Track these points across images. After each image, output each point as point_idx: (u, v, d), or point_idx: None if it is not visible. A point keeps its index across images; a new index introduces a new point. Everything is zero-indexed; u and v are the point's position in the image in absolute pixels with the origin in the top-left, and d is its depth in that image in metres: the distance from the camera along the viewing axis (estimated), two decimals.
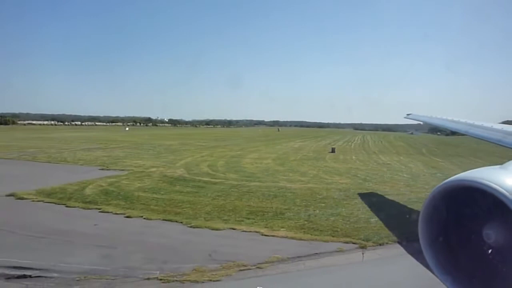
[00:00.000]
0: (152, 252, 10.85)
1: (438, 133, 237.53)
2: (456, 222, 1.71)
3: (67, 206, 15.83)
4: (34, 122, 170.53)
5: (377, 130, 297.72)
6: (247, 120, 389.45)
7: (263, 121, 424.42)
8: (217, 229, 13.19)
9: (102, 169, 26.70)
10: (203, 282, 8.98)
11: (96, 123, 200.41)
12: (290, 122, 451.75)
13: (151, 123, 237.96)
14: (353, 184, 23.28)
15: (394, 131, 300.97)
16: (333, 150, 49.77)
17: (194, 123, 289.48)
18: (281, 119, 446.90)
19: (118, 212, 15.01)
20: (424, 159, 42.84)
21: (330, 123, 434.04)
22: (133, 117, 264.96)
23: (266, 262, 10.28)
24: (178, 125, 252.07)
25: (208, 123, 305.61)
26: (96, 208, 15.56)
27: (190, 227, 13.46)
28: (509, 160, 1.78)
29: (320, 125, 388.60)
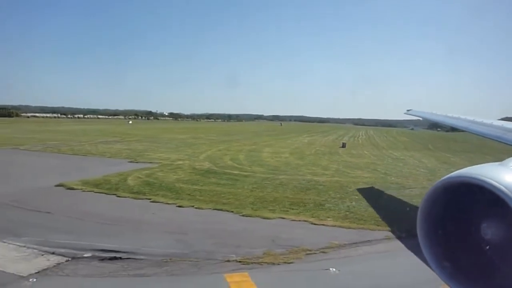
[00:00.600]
0: (220, 238, 11.72)
1: (438, 129, 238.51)
2: (454, 217, 1.73)
3: (118, 196, 16.65)
4: (37, 114, 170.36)
5: (376, 126, 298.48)
6: (246, 115, 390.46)
7: (262, 115, 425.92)
8: (268, 218, 14.07)
9: (131, 162, 27.48)
10: (279, 264, 9.86)
11: (98, 116, 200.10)
12: (290, 116, 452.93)
13: (152, 117, 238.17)
14: (376, 178, 24.22)
15: (393, 126, 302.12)
16: (343, 145, 50.67)
17: (194, 117, 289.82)
18: (281, 114, 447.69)
19: (169, 202, 15.85)
20: (435, 155, 43.87)
21: (330, 118, 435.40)
22: (132, 110, 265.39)
23: (327, 248, 11.16)
24: (179, 119, 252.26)
25: (208, 117, 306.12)
26: (146, 198, 16.40)
27: (242, 216, 14.32)
28: (509, 157, 1.83)
29: (320, 120, 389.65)
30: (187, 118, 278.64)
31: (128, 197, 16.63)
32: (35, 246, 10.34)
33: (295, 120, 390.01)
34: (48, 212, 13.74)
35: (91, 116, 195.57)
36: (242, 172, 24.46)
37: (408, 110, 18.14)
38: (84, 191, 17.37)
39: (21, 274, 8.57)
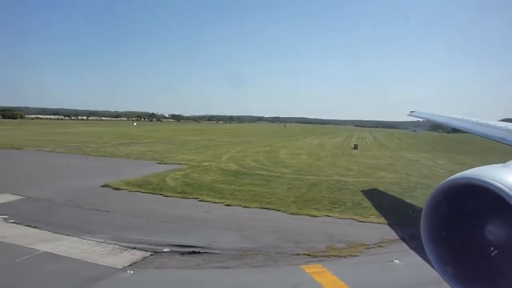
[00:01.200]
0: (279, 234, 12.45)
1: (440, 131, 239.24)
2: (458, 219, 1.72)
3: (165, 196, 17.39)
4: (40, 116, 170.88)
5: (377, 127, 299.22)
6: (247, 116, 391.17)
7: (263, 117, 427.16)
8: (315, 216, 14.81)
9: (159, 163, 28.20)
10: (345, 257, 10.62)
11: (102, 118, 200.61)
12: (291, 118, 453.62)
13: (154, 119, 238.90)
14: (401, 179, 24.96)
15: (394, 128, 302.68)
16: (355, 147, 51.53)
17: (196, 119, 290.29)
18: (282, 115, 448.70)
19: (216, 201, 16.57)
20: (447, 156, 44.61)
21: (330, 120, 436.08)
22: (133, 112, 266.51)
23: (382, 242, 11.91)
24: (181, 121, 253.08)
25: (210, 118, 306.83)
26: (193, 198, 17.12)
27: (290, 214, 15.06)
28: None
29: (321, 122, 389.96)
30: (188, 119, 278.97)
31: (175, 196, 17.36)
32: (114, 242, 11.07)
33: (296, 122, 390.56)
34: (107, 211, 14.45)
35: (94, 118, 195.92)
36: (271, 173, 25.19)
37: (411, 112, 18.17)
38: (130, 191, 18.10)
39: (116, 267, 9.31)
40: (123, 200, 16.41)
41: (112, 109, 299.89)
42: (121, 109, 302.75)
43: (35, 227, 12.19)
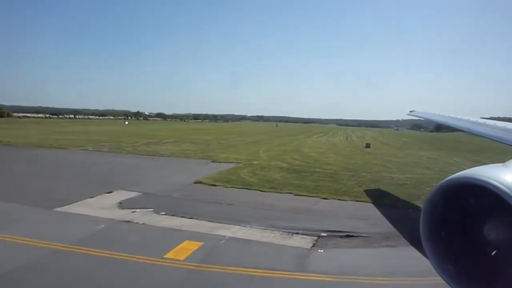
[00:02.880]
0: (397, 222, 14.56)
1: (421, 130, 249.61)
2: (457, 218, 1.74)
3: (261, 191, 19.05)
4: (28, 115, 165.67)
5: (360, 126, 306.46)
6: (230, 115, 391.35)
7: (245, 116, 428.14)
8: (408, 208, 17.02)
9: (213, 162, 29.70)
10: None
11: (89, 116, 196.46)
12: (274, 117, 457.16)
13: (142, 117, 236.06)
14: (439, 175, 27.61)
15: (376, 126, 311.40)
16: (368, 145, 54.24)
17: (182, 117, 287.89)
18: (265, 114, 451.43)
19: (310, 195, 18.43)
20: (457, 154, 47.63)
21: (313, 119, 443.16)
22: (113, 110, 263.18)
23: None
24: (167, 119, 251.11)
25: (195, 117, 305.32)
26: (287, 193, 18.86)
27: (386, 206, 17.14)
28: (511, 158, 1.87)
29: (304, 121, 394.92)
30: (174, 118, 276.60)
31: (270, 191, 19.08)
32: (274, 229, 12.80)
33: (280, 121, 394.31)
34: (231, 204, 16.10)
35: (81, 116, 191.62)
36: (323, 170, 27.18)
37: (411, 111, 18.69)
38: (226, 187, 19.69)
39: (306, 247, 11.16)
40: (231, 195, 17.97)
41: (91, 107, 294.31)
42: (101, 107, 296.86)
43: (190, 218, 13.74)
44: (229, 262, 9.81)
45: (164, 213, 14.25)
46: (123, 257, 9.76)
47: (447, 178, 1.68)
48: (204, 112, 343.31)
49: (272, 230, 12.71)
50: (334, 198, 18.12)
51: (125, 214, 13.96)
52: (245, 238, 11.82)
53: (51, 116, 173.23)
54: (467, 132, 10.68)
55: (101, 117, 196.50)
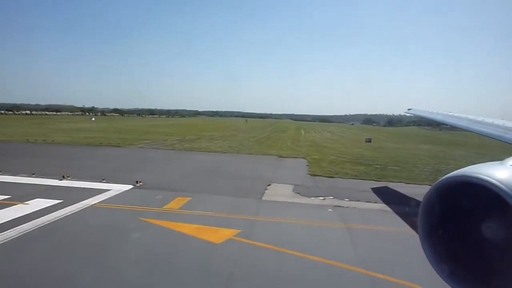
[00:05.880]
0: None
1: (374, 124, 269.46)
2: (455, 216, 1.78)
3: (375, 180, 22.67)
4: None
5: (315, 121, 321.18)
6: (184, 110, 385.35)
7: (197, 110, 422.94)
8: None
9: (282, 158, 32.34)
10: None
11: (47, 112, 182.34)
12: (228, 112, 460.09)
13: (99, 113, 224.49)
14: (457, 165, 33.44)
15: (330, 121, 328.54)
16: (369, 140, 60.08)
17: (138, 113, 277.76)
18: (220, 109, 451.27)
19: (419, 183, 22.41)
20: (457, 148, 54.50)
21: (268, 114, 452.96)
22: (56, 104, 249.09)
23: None
24: (125, 115, 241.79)
25: (152, 112, 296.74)
26: (398, 181, 22.51)
27: None
28: (509, 156, 1.90)
29: (261, 116, 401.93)
30: (131, 114, 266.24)
31: (381, 180, 22.66)
32: None
33: (236, 116, 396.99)
34: (382, 193, 19.48)
35: (48, 113, 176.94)
36: (378, 162, 31.44)
37: (408, 109, 19.08)
38: (343, 178, 22.91)
39: None
40: (362, 184, 21.25)
41: (33, 102, 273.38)
42: (43, 102, 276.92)
43: (367, 202, 16.94)
44: None
45: (347, 199, 17.18)
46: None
47: (444, 177, 1.70)
48: (153, 107, 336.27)
49: None
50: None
51: (319, 201, 16.65)
52: None
53: (6, 112, 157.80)
54: (466, 130, 10.48)
55: (58, 113, 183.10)
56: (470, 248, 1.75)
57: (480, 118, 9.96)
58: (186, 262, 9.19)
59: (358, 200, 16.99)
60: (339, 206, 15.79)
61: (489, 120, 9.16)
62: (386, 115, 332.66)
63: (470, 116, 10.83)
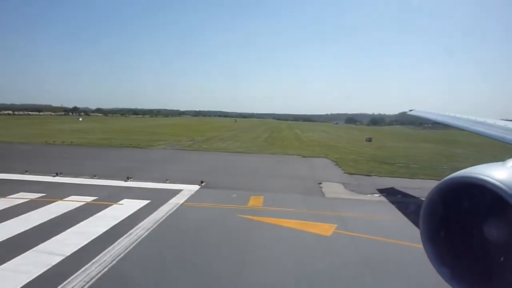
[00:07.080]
0: None
1: (357, 123, 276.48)
2: (457, 217, 1.78)
3: (410, 178, 24.33)
4: None
5: (298, 121, 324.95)
6: (165, 110, 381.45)
7: (179, 110, 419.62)
8: None
9: (306, 157, 33.69)
10: None
11: (29, 112, 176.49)
12: (210, 112, 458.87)
13: (83, 113, 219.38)
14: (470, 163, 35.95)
15: (312, 121, 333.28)
16: (370, 139, 62.32)
17: (121, 113, 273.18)
18: (202, 109, 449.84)
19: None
20: (457, 147, 57.79)
21: (250, 113, 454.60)
22: (32, 104, 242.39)
23: None
24: (108, 115, 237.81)
25: (136, 112, 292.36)
26: (430, 179, 24.36)
27: None
28: (511, 157, 1.88)
29: (242, 115, 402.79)
30: (114, 113, 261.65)
31: (415, 178, 24.42)
32: None
33: (219, 116, 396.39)
34: (419, 188, 21.16)
35: (32, 113, 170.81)
36: (397, 162, 33.38)
37: (410, 110, 19.14)
38: (379, 176, 24.55)
39: None
40: (403, 181, 22.89)
41: (9, 101, 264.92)
42: (17, 101, 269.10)
43: None
44: None
45: (400, 196, 18.77)
46: None
47: (446, 178, 1.70)
48: (134, 107, 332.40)
49: None
50: None
51: (377, 198, 18.06)
52: None
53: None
54: (467, 131, 10.67)
55: (40, 114, 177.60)
56: (472, 249, 1.76)
57: (481, 119, 10.19)
58: (320, 253, 10.31)
59: (413, 196, 18.53)
60: (399, 202, 17.25)
61: (491, 121, 9.37)
62: (368, 114, 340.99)
63: (471, 117, 11.27)
